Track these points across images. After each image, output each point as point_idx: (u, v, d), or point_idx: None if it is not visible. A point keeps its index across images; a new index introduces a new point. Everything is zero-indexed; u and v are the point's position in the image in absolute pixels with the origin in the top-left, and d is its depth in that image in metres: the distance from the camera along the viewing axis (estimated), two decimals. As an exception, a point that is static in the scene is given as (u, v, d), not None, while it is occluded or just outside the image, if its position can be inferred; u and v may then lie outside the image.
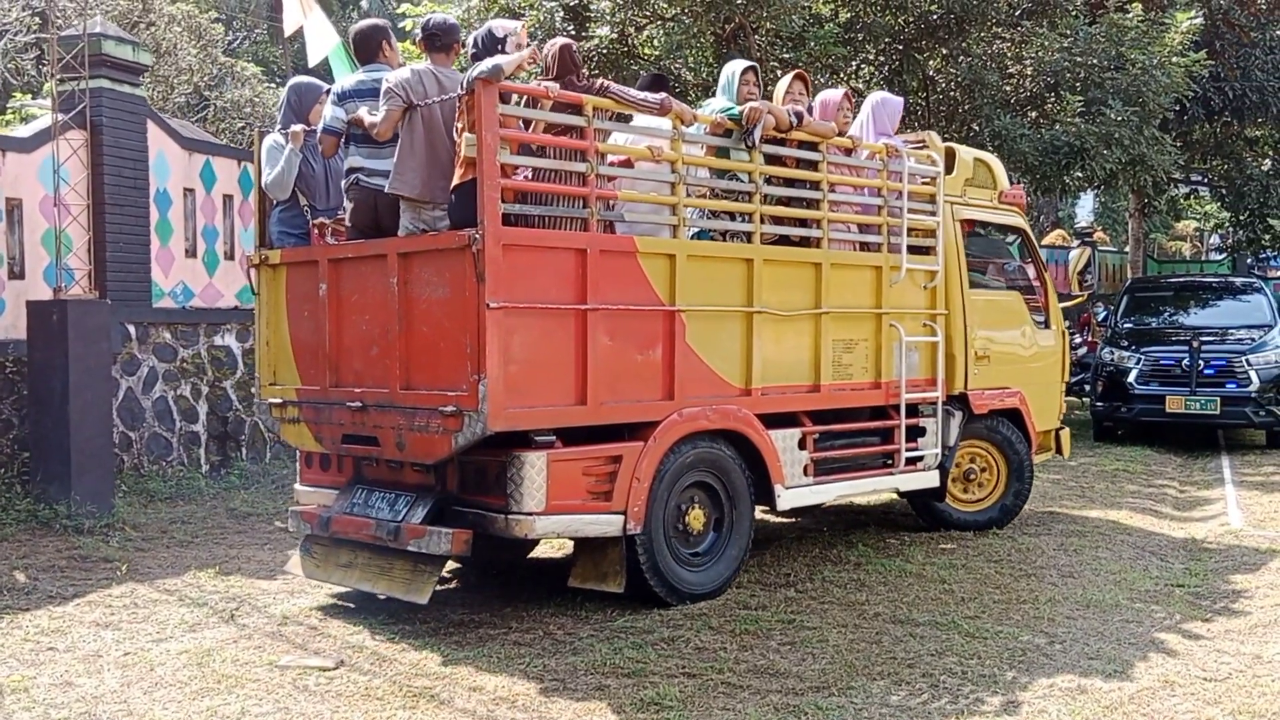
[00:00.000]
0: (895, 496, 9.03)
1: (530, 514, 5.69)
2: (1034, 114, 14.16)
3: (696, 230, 6.59)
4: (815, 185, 7.08)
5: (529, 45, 6.08)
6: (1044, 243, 23.33)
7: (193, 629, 6.04)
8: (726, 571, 6.59)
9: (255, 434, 10.73)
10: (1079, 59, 13.51)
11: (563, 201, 5.92)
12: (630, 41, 13.20)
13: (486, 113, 5.49)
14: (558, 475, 5.76)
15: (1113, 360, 13.56)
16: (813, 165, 7.07)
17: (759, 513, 7.30)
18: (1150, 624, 5.96)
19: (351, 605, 6.47)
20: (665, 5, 13.05)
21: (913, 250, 7.65)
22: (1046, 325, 9.07)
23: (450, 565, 7.33)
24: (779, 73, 13.53)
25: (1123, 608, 6.25)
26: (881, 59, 14.27)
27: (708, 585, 6.47)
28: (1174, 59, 13.85)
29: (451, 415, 5.57)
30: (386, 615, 6.22)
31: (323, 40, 13.76)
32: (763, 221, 6.76)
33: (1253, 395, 12.63)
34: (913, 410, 7.72)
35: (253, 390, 10.64)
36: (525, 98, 5.87)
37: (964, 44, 14.10)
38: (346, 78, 6.59)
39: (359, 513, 6.26)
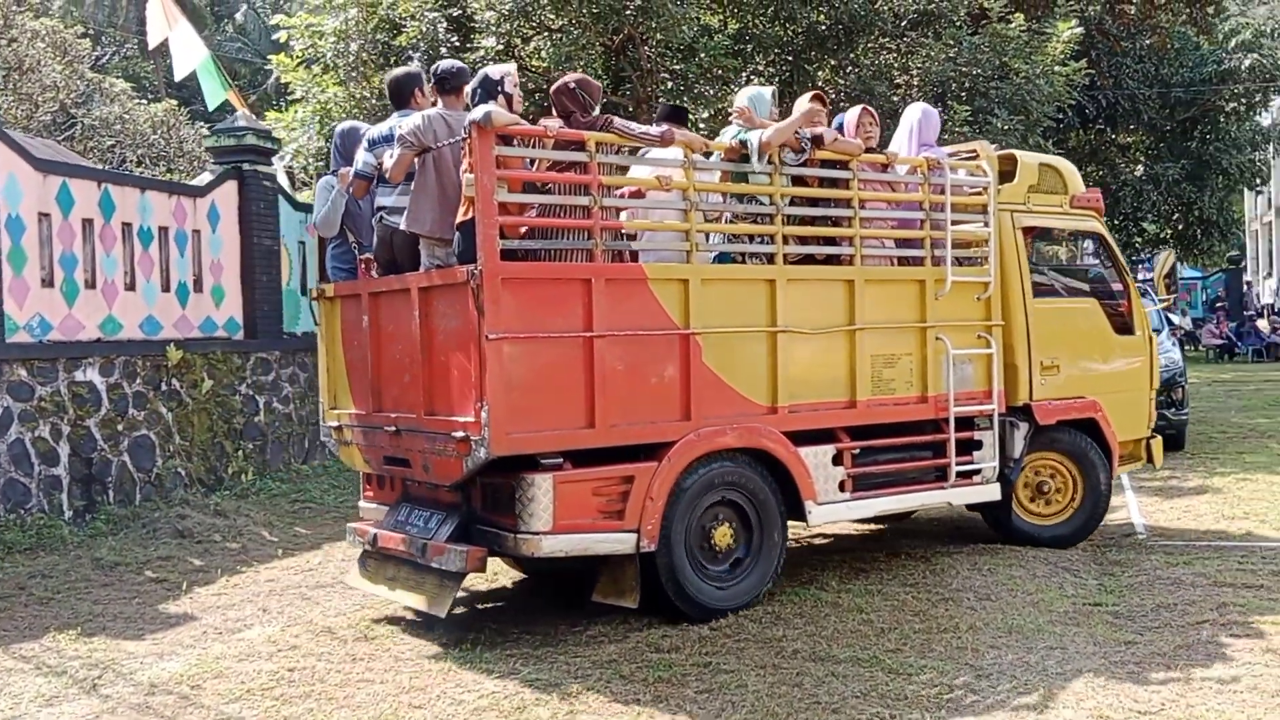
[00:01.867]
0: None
1: (537, 533, 5.93)
2: (923, 124, 14.16)
3: (718, 253, 6.69)
4: (846, 203, 7.04)
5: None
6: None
7: (50, 702, 5.48)
8: (756, 588, 6.67)
9: (123, 474, 10.00)
10: (964, 69, 13.61)
11: (569, 234, 6.16)
12: (517, 53, 12.82)
13: (483, 156, 5.83)
14: (565, 495, 5.97)
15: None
16: (843, 183, 7.04)
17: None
18: (1075, 650, 5.77)
19: (227, 669, 5.93)
20: (552, 16, 12.71)
21: (964, 262, 7.59)
22: (1130, 331, 8.78)
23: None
24: (669, 85, 13.32)
25: (1045, 632, 6.06)
26: (771, 70, 14.17)
27: (736, 601, 6.53)
28: (1056, 68, 14.06)
29: (461, 440, 5.86)
30: (267, 678, 5.71)
31: (190, 53, 13.09)
32: (786, 242, 6.81)
33: (1145, 400, 12.73)
34: (968, 423, 7.60)
35: (117, 428, 9.96)
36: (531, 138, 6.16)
37: (852, 55, 14.09)
38: (381, 124, 6.85)
39: (398, 529, 6.62)
